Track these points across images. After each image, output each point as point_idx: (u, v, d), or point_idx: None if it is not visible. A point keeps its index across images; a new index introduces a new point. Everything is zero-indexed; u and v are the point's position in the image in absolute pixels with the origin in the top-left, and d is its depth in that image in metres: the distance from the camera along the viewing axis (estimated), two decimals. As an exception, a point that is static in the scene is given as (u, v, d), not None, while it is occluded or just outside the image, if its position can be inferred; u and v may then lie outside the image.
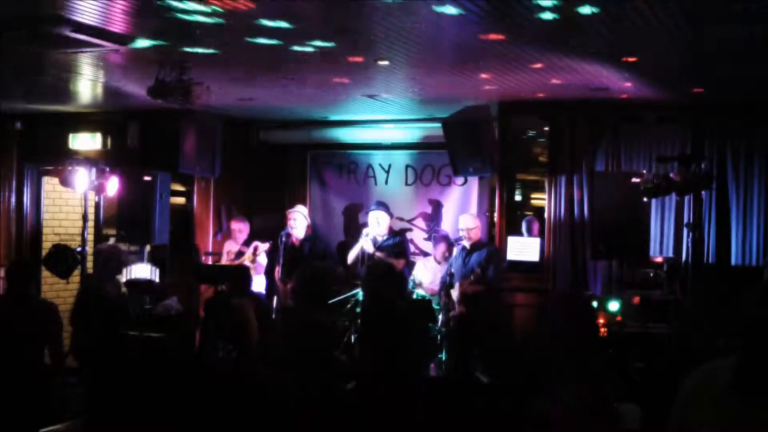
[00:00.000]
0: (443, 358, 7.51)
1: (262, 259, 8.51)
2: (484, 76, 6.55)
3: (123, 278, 7.74)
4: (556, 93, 7.25)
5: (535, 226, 8.63)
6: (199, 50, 5.75)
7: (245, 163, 9.77)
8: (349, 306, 8.32)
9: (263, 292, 8.27)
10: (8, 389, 5.23)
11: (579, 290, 7.41)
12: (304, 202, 9.47)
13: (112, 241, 8.78)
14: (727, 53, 5.64)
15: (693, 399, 2.24)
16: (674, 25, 4.88)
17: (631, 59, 5.85)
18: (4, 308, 5.54)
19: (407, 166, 9.70)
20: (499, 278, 7.68)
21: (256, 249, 8.42)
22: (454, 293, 7.50)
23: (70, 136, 9.60)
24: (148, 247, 8.31)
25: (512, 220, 8.50)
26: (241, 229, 8.84)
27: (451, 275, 7.74)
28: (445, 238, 8.53)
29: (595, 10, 4.53)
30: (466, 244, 7.72)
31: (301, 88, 7.32)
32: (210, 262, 9.09)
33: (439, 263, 8.39)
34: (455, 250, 7.98)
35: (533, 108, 8.04)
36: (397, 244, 8.20)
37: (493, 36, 5.17)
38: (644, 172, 7.04)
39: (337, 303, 8.47)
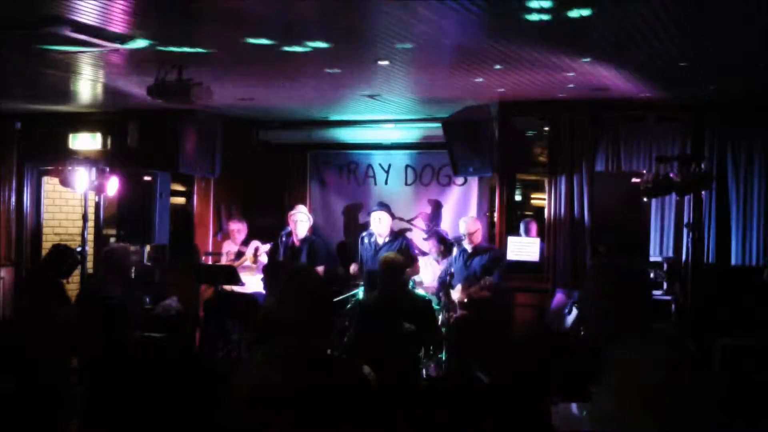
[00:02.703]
0: (443, 358, 7.50)
1: (263, 260, 8.50)
2: (483, 76, 6.55)
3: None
4: (556, 93, 7.25)
5: (533, 228, 8.62)
6: (199, 50, 5.76)
7: (245, 163, 9.77)
8: (349, 306, 8.31)
9: (264, 292, 8.26)
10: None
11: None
12: (304, 202, 9.47)
13: (112, 240, 8.78)
14: (727, 53, 5.64)
15: None
16: (674, 26, 4.89)
17: (632, 59, 5.85)
18: None
19: (407, 166, 9.70)
20: (503, 282, 7.63)
21: (257, 250, 8.41)
22: (455, 294, 7.48)
23: (70, 136, 9.60)
24: (148, 247, 8.31)
25: (512, 220, 8.50)
26: (239, 229, 8.84)
27: (451, 275, 7.72)
28: (435, 235, 8.51)
29: (594, 11, 4.54)
30: (468, 247, 7.68)
31: (301, 89, 7.32)
32: (210, 262, 9.10)
33: (437, 261, 8.38)
34: (455, 250, 7.96)
35: (533, 108, 8.04)
36: (403, 247, 8.13)
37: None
38: (644, 172, 7.04)
39: (336, 303, 8.48)
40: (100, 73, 6.86)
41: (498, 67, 6.16)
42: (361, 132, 9.63)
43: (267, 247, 8.37)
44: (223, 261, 8.77)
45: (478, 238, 7.73)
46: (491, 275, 7.48)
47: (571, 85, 6.86)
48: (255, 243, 8.51)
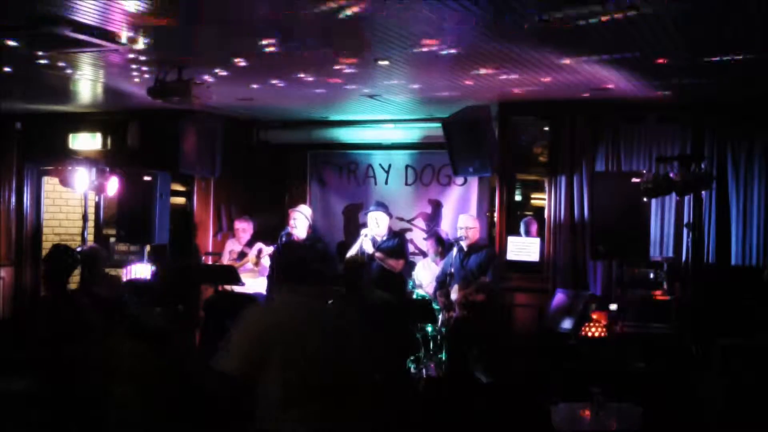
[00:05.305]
0: (443, 358, 7.51)
1: (266, 262, 8.47)
2: (483, 75, 6.55)
3: (123, 276, 7.71)
4: (556, 93, 7.25)
5: (533, 227, 8.63)
6: (198, 50, 5.76)
7: (245, 163, 9.77)
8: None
9: (264, 293, 8.26)
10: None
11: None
12: (304, 202, 9.46)
13: (112, 240, 8.79)
14: (726, 53, 5.65)
15: None
16: (673, 24, 4.89)
17: (631, 59, 5.85)
18: None
19: (407, 166, 9.70)
20: (497, 281, 7.67)
21: (260, 252, 8.39)
22: (453, 294, 7.48)
23: (70, 136, 9.60)
24: (148, 247, 8.31)
25: (512, 220, 8.50)
26: (244, 228, 8.81)
27: (450, 275, 7.71)
28: (434, 235, 8.53)
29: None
30: (464, 244, 7.71)
31: (301, 88, 7.32)
32: (210, 262, 9.09)
33: (435, 262, 8.39)
34: (454, 250, 7.96)
35: (533, 108, 8.04)
36: (397, 244, 8.19)
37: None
38: (644, 172, 7.03)
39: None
40: (100, 73, 6.86)
41: (498, 67, 6.16)
42: (361, 132, 9.63)
43: (270, 249, 8.35)
44: (225, 260, 8.75)
45: (475, 235, 7.78)
46: (486, 274, 7.49)
47: (571, 85, 6.86)
48: (259, 245, 8.49)
